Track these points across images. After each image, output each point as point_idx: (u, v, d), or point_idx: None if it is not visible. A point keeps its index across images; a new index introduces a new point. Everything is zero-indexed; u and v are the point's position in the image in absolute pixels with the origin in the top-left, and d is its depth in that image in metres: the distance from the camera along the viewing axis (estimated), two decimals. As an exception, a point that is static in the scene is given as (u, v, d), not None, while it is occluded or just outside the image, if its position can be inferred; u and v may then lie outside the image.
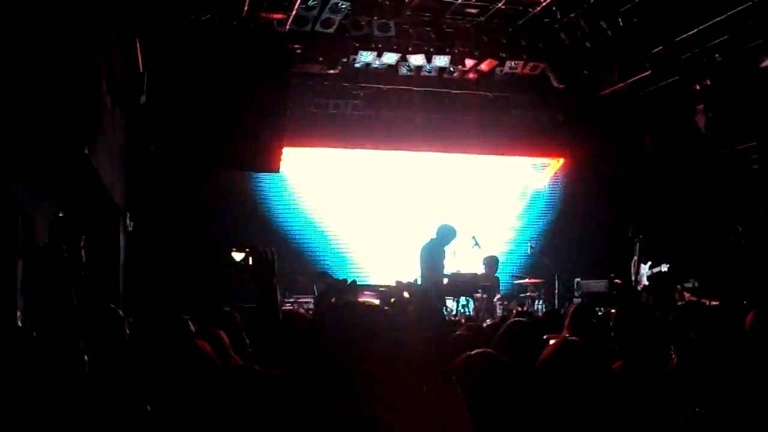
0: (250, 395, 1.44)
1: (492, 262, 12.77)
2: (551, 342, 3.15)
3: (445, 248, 11.36)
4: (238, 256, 3.77)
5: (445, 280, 11.42)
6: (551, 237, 14.96)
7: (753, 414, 2.28)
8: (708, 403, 2.27)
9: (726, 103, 11.58)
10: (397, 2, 11.38)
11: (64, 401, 3.22)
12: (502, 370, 2.77)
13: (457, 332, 5.06)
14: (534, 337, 4.03)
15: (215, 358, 2.85)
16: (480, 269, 12.50)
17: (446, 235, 11.36)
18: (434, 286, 10.73)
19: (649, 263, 12.19)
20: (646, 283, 12.23)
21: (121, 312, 4.60)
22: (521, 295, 12.95)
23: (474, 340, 4.40)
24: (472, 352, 2.88)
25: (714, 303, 10.68)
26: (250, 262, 3.54)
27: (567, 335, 3.50)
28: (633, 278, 12.44)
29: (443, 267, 11.31)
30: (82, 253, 8.28)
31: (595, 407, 2.78)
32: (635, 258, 12.46)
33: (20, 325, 4.35)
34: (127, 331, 4.42)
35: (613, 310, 6.32)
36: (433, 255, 11.23)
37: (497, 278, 12.77)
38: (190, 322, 4.19)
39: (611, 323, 5.27)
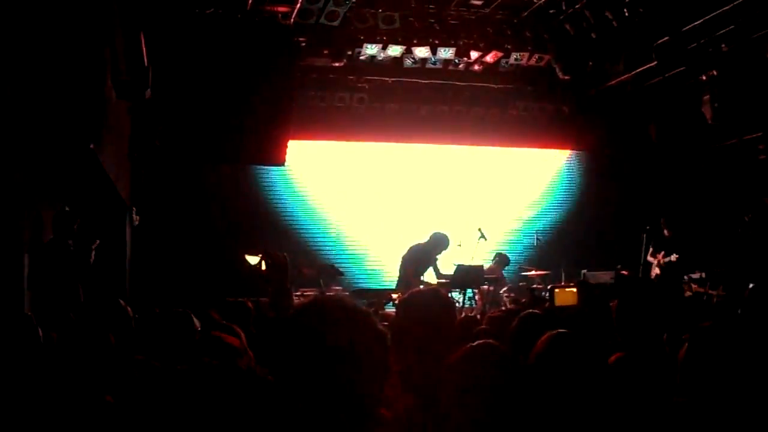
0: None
1: (502, 260, 12.78)
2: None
3: (437, 257, 10.90)
4: (252, 260, 3.77)
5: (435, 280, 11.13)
6: (557, 228, 14.95)
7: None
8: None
9: (732, 93, 11.53)
10: (402, -6, 11.37)
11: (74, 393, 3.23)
12: (503, 362, 2.77)
13: (482, 326, 5.04)
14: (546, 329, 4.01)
15: (240, 352, 2.82)
16: (487, 263, 12.48)
17: (438, 243, 10.92)
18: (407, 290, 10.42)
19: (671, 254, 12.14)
20: (658, 272, 12.23)
21: (129, 309, 4.61)
22: (532, 286, 12.89)
23: (496, 333, 4.38)
24: (474, 343, 2.87)
25: (720, 293, 10.68)
26: (264, 267, 3.53)
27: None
28: (653, 270, 12.44)
29: (423, 274, 10.85)
30: (93, 255, 8.31)
31: (590, 398, 2.79)
32: (651, 251, 12.47)
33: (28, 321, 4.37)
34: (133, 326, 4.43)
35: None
36: (419, 260, 10.85)
37: (503, 276, 12.77)
38: (193, 317, 4.19)
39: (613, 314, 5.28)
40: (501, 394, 2.66)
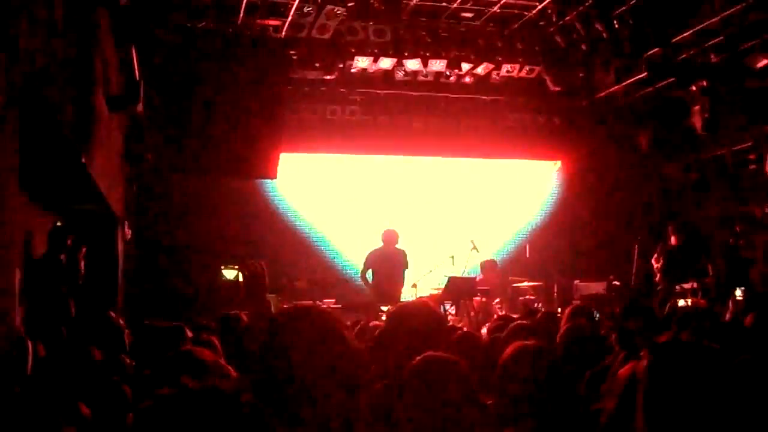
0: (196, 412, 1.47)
1: (491, 266, 12.76)
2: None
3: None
4: (229, 274, 3.76)
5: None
6: (549, 239, 14.96)
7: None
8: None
9: (722, 103, 11.59)
10: (393, 7, 11.39)
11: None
12: (454, 373, 2.76)
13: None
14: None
15: (213, 367, 2.82)
16: (479, 275, 12.52)
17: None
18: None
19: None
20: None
21: (121, 321, 4.60)
22: (525, 297, 12.86)
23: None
24: (427, 354, 2.85)
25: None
26: (241, 279, 3.51)
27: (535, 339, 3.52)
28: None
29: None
30: (82, 264, 8.29)
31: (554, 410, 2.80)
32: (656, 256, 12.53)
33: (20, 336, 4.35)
34: (127, 341, 4.42)
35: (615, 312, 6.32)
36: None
37: (500, 281, 12.76)
38: (186, 329, 4.19)
39: (612, 324, 5.29)
40: (452, 408, 2.64)
